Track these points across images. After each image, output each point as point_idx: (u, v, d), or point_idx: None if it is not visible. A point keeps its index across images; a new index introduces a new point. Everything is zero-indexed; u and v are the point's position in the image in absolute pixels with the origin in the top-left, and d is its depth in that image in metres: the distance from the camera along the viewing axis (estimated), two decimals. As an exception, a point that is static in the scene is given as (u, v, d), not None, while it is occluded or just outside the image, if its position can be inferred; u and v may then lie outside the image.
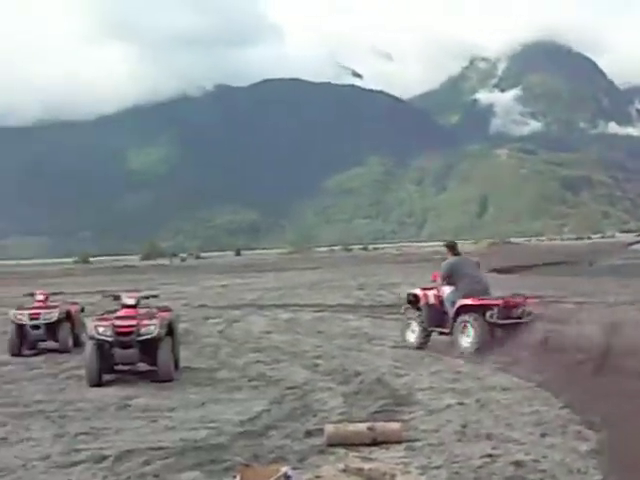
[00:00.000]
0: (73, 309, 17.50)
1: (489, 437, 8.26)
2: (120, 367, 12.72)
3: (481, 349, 13.21)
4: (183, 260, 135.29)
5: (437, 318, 14.61)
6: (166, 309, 13.74)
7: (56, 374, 13.69)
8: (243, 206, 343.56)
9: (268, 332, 19.47)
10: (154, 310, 13.31)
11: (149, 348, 12.37)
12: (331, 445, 8.01)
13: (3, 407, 10.67)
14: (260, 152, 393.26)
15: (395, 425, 8.43)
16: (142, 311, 12.91)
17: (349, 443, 8.00)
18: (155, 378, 12.38)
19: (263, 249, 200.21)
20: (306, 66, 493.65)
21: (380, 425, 8.32)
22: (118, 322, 12.35)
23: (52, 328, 16.60)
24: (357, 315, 22.90)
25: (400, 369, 12.77)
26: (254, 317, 24.00)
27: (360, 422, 8.59)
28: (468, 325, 13.71)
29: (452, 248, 15.16)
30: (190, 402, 10.77)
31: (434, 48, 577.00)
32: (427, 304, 14.82)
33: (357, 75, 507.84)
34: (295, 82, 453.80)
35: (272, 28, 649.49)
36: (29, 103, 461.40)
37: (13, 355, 16.18)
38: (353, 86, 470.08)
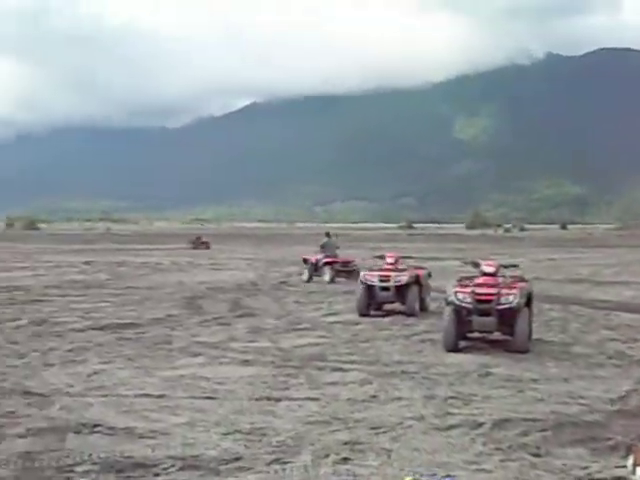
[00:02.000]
0: (420, 273, 17.83)
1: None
2: (475, 334, 12.74)
3: (333, 282, 25.20)
4: (507, 231, 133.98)
5: (315, 269, 26.23)
6: (522, 279, 13.48)
7: (408, 336, 14.04)
8: (568, 179, 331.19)
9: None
10: (510, 280, 13.13)
11: (507, 317, 12.22)
12: None
13: (364, 365, 11.09)
14: (587, 126, 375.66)
15: None
16: (501, 280, 12.80)
17: None
18: (509, 348, 12.23)
19: (587, 224, 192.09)
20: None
21: None
22: (478, 290, 12.32)
23: (400, 291, 17.01)
24: None
25: None
26: (593, 292, 23.17)
27: None
28: (327, 271, 25.73)
29: (327, 235, 27.37)
30: (552, 375, 10.48)
31: None
32: (311, 262, 26.38)
33: None
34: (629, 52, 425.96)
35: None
36: (359, 71, 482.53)
37: (361, 315, 16.79)
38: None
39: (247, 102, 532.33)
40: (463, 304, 12.34)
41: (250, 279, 27.35)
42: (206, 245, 59.13)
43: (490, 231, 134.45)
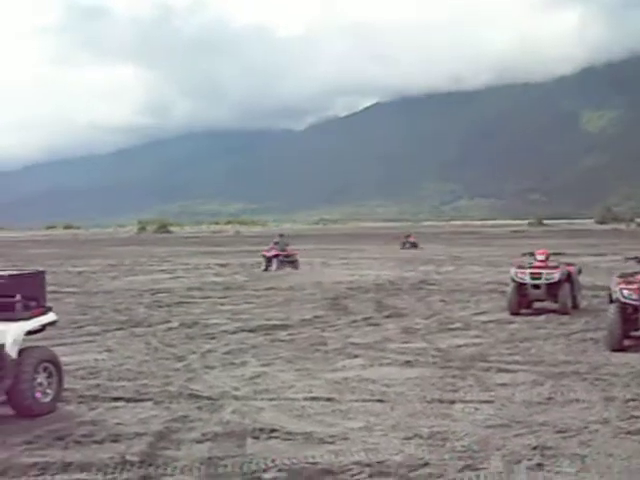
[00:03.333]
0: (572, 270, 17.19)
1: None
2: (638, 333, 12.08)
3: (279, 270, 31.55)
4: (639, 225, 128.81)
5: (268, 260, 32.52)
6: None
7: (567, 335, 13.49)
8: None
9: None
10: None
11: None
12: None
13: (530, 365, 10.68)
14: None
15: None
16: (669, 277, 12.07)
17: None
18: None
19: None
20: None
21: None
22: None
23: (552, 288, 16.46)
24: None
25: None
26: None
27: None
28: (274, 262, 32.39)
29: (280, 235, 34.89)
30: None
31: None
32: (266, 256, 32.77)
33: None
34: None
35: None
36: (480, 67, 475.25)
37: (512, 313, 16.34)
38: None
39: (371, 102, 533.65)
40: (629, 301, 11.75)
41: (387, 278, 27.11)
42: (414, 244, 55.67)
43: (622, 226, 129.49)
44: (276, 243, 33.43)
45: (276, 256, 32.63)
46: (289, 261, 32.93)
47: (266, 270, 31.98)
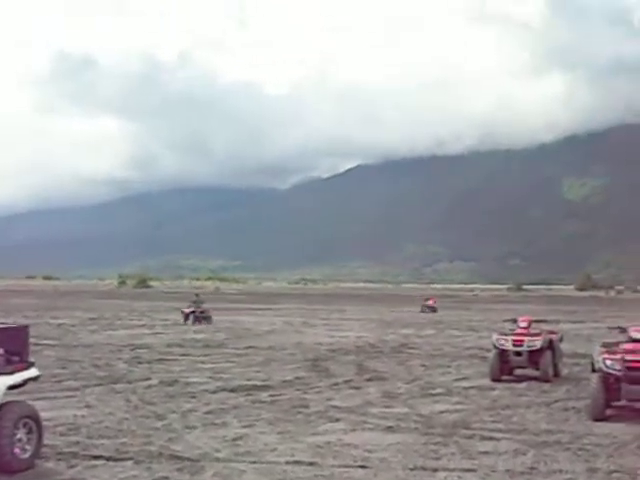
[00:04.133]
0: (554, 338, 17.23)
1: None
2: (622, 403, 12.09)
3: (194, 324, 35.44)
4: (619, 293, 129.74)
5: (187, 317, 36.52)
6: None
7: (549, 403, 13.48)
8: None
9: None
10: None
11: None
12: None
13: (513, 434, 10.64)
14: None
15: None
16: (656, 348, 12.13)
17: None
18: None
19: None
20: None
21: None
22: (629, 356, 11.72)
23: (534, 356, 16.43)
24: None
25: None
26: None
27: None
28: (190, 317, 36.55)
29: (196, 295, 39.29)
30: None
31: None
32: (185, 313, 37.09)
33: None
34: None
35: None
36: (463, 131, 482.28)
37: (493, 380, 16.29)
38: None
39: (354, 163, 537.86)
40: (612, 371, 11.80)
41: (368, 340, 27.04)
42: (433, 309, 52.44)
43: (601, 293, 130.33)
44: (194, 302, 37.99)
45: (192, 312, 37.08)
46: (204, 317, 37.10)
47: (185, 323, 36.18)
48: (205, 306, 38.46)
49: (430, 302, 54.25)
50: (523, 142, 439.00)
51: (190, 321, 36.43)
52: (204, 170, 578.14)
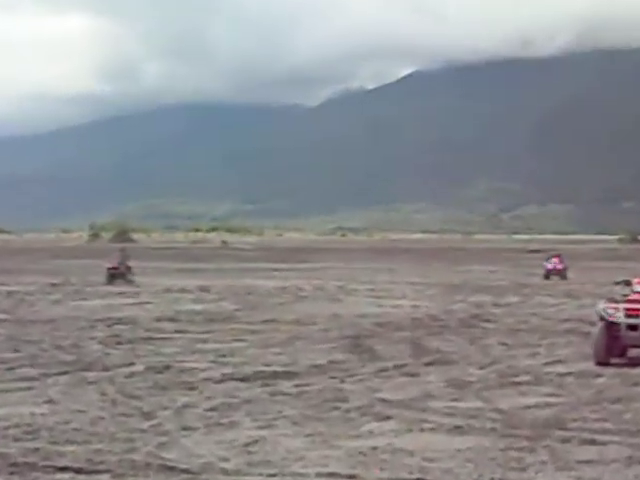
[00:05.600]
0: (682, 306, 17.15)
1: None
2: None
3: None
4: None
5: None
6: None
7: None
8: None
9: None
10: None
11: None
12: None
13: (624, 436, 10.63)
14: None
15: None
16: None
17: None
18: None
19: None
20: None
21: None
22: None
23: (655, 331, 16.48)
24: None
25: None
26: None
27: None
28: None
29: (121, 250, 46.84)
30: None
31: None
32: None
33: None
34: None
35: None
36: (556, 28, 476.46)
37: (599, 363, 16.30)
38: None
39: (409, 70, 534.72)
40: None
41: (427, 311, 27.18)
42: (561, 273, 48.48)
43: None
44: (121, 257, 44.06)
45: (113, 268, 42.68)
46: (119, 274, 42.40)
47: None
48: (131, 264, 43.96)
49: (555, 262, 49.67)
50: (635, 41, 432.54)
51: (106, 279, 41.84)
52: (202, 83, 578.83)
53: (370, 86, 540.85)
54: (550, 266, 48.93)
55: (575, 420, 11.48)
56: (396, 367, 15.89)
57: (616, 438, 10.50)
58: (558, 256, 50.74)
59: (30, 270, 53.38)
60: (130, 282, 41.45)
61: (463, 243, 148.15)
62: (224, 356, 17.15)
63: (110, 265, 42.99)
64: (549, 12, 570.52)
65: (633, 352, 16.93)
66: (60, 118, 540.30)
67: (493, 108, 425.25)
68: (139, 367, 15.69)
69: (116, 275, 42.20)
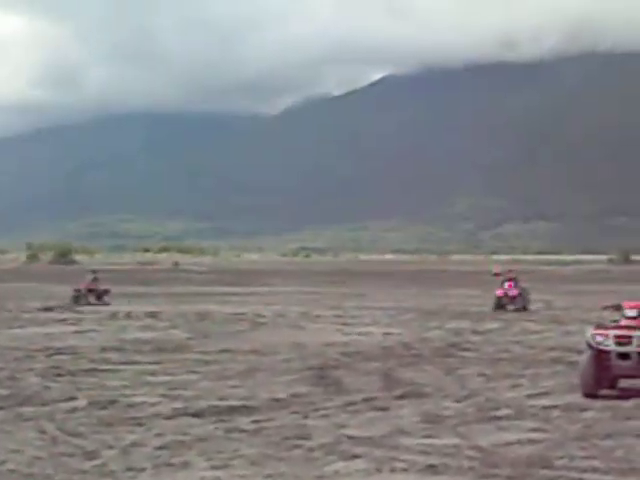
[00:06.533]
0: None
1: None
2: None
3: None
4: None
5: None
6: None
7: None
8: None
9: None
10: None
11: None
12: None
13: (616, 475, 10.74)
14: None
15: None
16: None
17: None
18: None
19: None
20: None
21: None
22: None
23: (647, 359, 16.59)
24: None
25: None
26: None
27: None
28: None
29: (93, 272, 48.42)
30: None
31: None
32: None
33: None
34: None
35: None
36: (544, 30, 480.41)
37: (587, 395, 16.38)
38: None
39: (381, 74, 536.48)
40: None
41: (400, 339, 27.22)
42: (515, 301, 41.13)
43: None
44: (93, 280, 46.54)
45: (78, 290, 45.30)
46: (83, 296, 44.87)
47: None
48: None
49: (507, 288, 42.75)
50: (627, 44, 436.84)
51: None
52: (153, 91, 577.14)
53: (337, 92, 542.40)
54: (500, 292, 42.07)
55: (561, 458, 11.52)
56: (365, 401, 15.88)
57: (606, 477, 10.60)
58: (511, 279, 42.98)
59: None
60: (106, 304, 44.05)
61: (439, 264, 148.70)
62: (175, 389, 17.11)
63: (83, 286, 45.69)
64: (534, 12, 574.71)
65: (624, 383, 17.03)
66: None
67: (474, 117, 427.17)
68: (81, 402, 15.63)
69: (80, 298, 44.60)
